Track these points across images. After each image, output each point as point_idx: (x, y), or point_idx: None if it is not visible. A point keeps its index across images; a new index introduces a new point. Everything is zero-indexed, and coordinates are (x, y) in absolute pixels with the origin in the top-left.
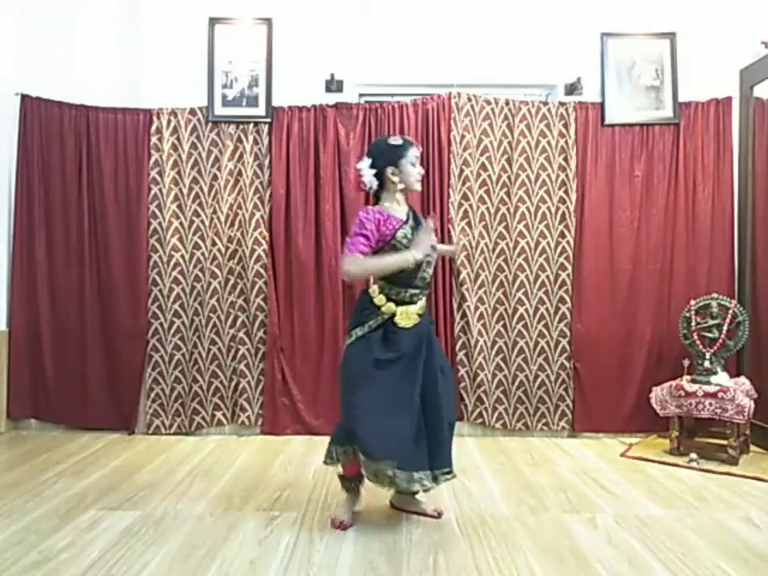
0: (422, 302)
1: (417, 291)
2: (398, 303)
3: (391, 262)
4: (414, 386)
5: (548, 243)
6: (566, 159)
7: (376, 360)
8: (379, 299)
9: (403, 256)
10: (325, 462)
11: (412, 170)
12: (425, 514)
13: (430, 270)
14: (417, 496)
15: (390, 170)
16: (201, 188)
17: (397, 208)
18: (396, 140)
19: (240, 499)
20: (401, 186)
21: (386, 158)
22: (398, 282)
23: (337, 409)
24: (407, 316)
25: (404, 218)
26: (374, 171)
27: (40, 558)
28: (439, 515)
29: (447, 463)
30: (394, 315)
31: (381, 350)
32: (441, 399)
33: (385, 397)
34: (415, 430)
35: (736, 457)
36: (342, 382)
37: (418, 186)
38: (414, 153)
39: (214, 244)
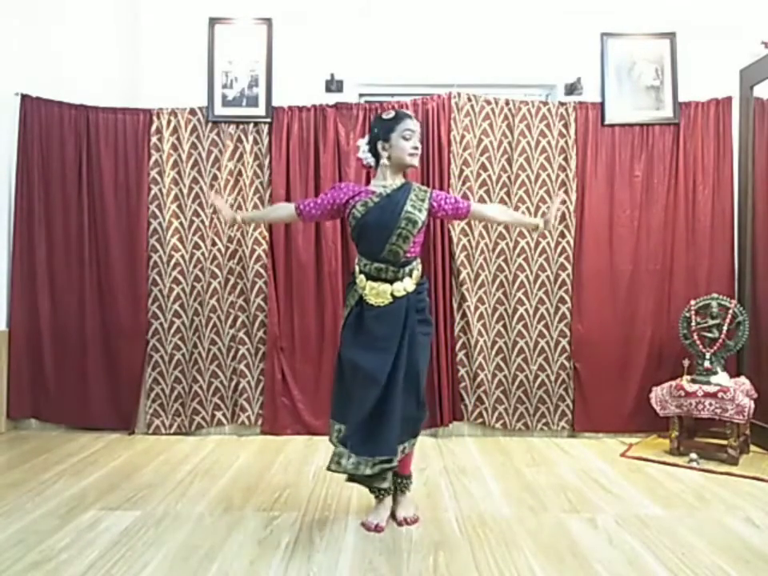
0: (400, 283)
1: (383, 266)
2: (368, 277)
3: (278, 213)
4: (378, 374)
5: (548, 243)
6: (566, 159)
7: (349, 342)
8: (356, 270)
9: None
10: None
11: (404, 143)
12: (393, 517)
13: (405, 246)
14: (396, 499)
15: (380, 144)
16: (201, 188)
17: (382, 183)
18: (388, 114)
19: (240, 499)
20: (392, 161)
21: (377, 132)
22: (365, 254)
23: None
24: (376, 293)
25: (377, 191)
26: (367, 147)
27: (40, 558)
28: (409, 522)
29: (389, 451)
30: (365, 290)
31: (354, 331)
32: (397, 387)
33: (352, 383)
34: (367, 414)
35: (736, 457)
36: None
37: (411, 161)
38: (405, 125)
39: (213, 244)
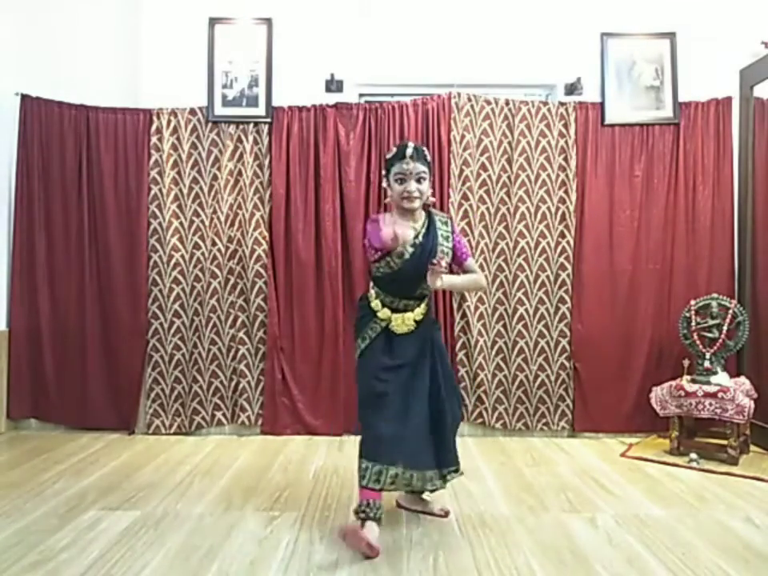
0: (419, 309)
1: (411, 302)
2: (393, 311)
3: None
4: (420, 393)
5: (548, 243)
6: (566, 159)
7: (383, 368)
8: (375, 304)
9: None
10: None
11: (396, 186)
12: (432, 514)
13: (428, 287)
14: (423, 496)
15: (384, 182)
16: (201, 188)
17: (405, 223)
18: (390, 152)
19: (240, 499)
20: (390, 200)
21: (386, 170)
22: (393, 292)
23: (336, 409)
24: (402, 322)
25: (410, 236)
26: (383, 183)
27: (40, 558)
28: (446, 514)
29: (454, 462)
30: (390, 321)
31: (385, 357)
32: (445, 404)
33: (393, 406)
34: (423, 433)
35: (736, 457)
36: (359, 398)
37: (406, 204)
38: (399, 167)
39: (214, 244)
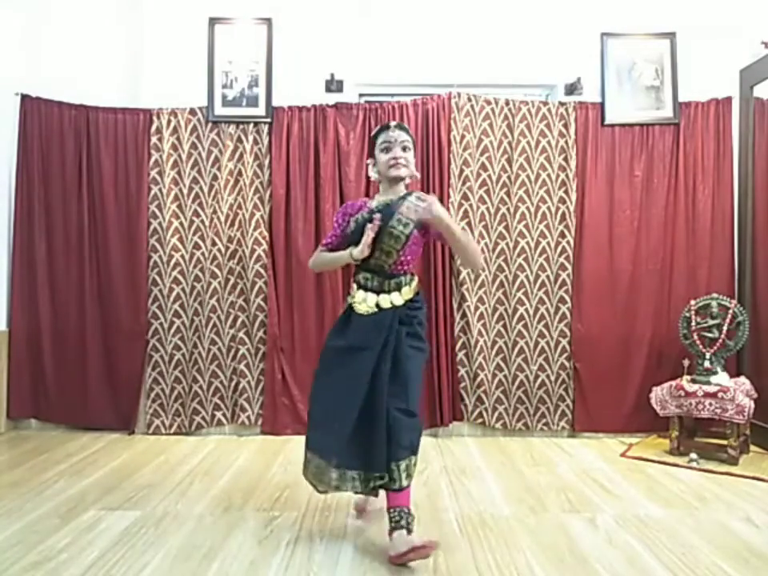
0: (386, 296)
1: (369, 275)
2: (359, 286)
3: (333, 257)
4: (358, 382)
5: (548, 243)
6: (566, 159)
7: (332, 347)
8: (353, 288)
9: (346, 252)
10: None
11: (382, 156)
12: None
13: (389, 259)
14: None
15: (370, 161)
16: (201, 188)
17: (381, 198)
18: (376, 129)
19: (240, 499)
20: (381, 176)
21: (371, 148)
22: (361, 265)
23: None
24: (363, 301)
25: (372, 206)
26: (368, 161)
27: (40, 558)
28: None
29: (381, 468)
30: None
31: (336, 336)
32: (384, 400)
33: (333, 390)
34: (351, 427)
35: (736, 457)
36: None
37: (391, 172)
38: (383, 138)
39: (214, 244)
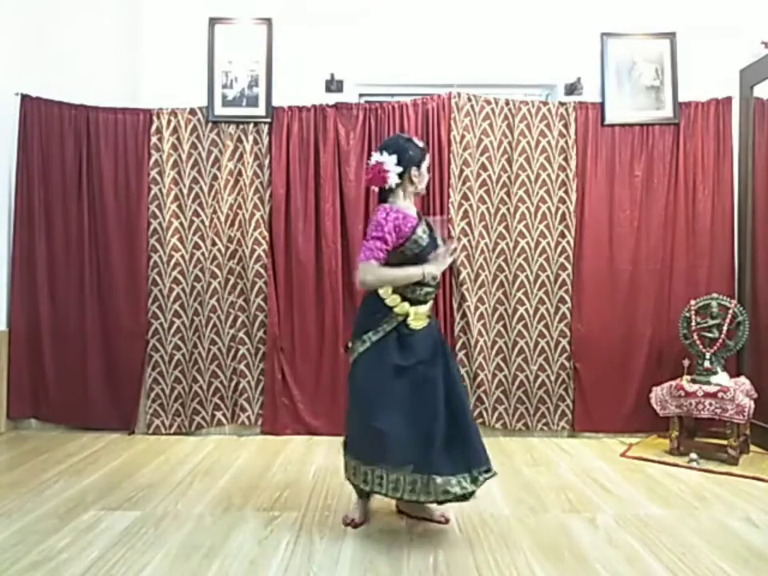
0: (430, 302)
1: (430, 289)
2: (412, 302)
3: (408, 274)
4: (437, 391)
5: (548, 243)
6: (566, 159)
7: (396, 366)
8: (392, 299)
9: (419, 270)
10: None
11: (426, 175)
12: (431, 520)
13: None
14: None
15: (413, 170)
16: (201, 188)
17: (410, 207)
18: (419, 141)
19: (240, 499)
20: (417, 188)
21: (411, 157)
22: (422, 280)
23: (336, 409)
24: (418, 317)
25: (417, 218)
26: (400, 169)
27: (40, 558)
28: (446, 521)
29: (485, 461)
30: (406, 317)
31: (398, 355)
32: (465, 402)
33: (407, 408)
34: (444, 434)
35: (736, 457)
36: (354, 396)
37: (423, 191)
38: (428, 160)
39: (214, 244)
